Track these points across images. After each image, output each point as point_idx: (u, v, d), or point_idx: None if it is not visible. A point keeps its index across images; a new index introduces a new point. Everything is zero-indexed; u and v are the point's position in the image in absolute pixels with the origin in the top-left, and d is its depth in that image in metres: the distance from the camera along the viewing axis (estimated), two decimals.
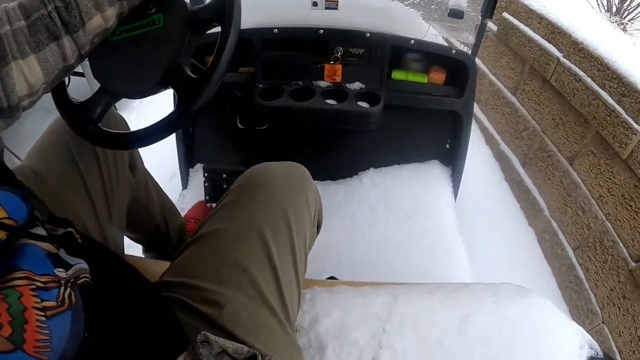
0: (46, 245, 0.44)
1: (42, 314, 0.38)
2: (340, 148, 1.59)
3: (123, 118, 0.94)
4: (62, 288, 0.41)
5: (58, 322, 0.39)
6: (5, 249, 0.39)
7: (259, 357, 0.50)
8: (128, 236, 1.15)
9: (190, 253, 0.69)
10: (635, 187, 1.29)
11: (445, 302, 0.81)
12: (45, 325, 0.38)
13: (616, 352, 1.35)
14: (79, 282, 0.44)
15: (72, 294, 0.42)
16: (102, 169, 0.82)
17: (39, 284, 0.40)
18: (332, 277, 1.23)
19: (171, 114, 0.65)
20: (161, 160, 1.93)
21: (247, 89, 1.35)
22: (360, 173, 1.63)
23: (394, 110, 1.38)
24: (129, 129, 0.94)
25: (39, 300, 0.39)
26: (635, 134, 1.25)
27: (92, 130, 0.70)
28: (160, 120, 0.65)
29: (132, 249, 1.33)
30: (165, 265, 0.71)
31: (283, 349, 0.62)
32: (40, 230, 0.45)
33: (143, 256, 1.28)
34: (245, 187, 0.76)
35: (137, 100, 2.67)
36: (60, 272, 0.43)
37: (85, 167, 0.79)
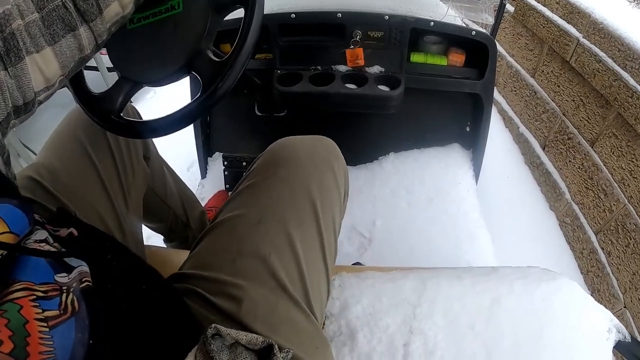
0: (47, 249, 0.43)
1: (45, 324, 0.37)
2: (360, 133, 1.58)
3: (135, 108, 0.94)
4: (64, 295, 0.40)
5: (61, 331, 0.38)
6: (3, 265, 0.38)
7: (275, 347, 0.48)
8: (148, 226, 1.16)
9: (207, 243, 0.67)
10: None
11: (475, 285, 0.80)
12: (49, 336, 0.37)
13: (638, 336, 1.33)
14: (81, 286, 0.42)
15: (75, 299, 0.41)
16: (116, 160, 0.81)
17: (39, 293, 0.38)
18: (357, 263, 1.23)
19: (196, 99, 0.63)
20: (179, 150, 1.94)
21: (265, 76, 1.34)
22: (380, 158, 1.62)
23: (414, 94, 1.37)
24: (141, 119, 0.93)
25: (41, 311, 0.37)
26: None
27: (114, 120, 0.70)
28: (185, 107, 0.64)
29: (153, 239, 1.35)
30: (185, 255, 0.69)
31: (307, 342, 0.58)
32: (41, 234, 0.44)
33: (165, 246, 1.29)
34: (266, 166, 0.71)
35: (151, 92, 2.68)
36: (62, 278, 0.41)
37: (99, 160, 0.78)
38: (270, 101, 1.39)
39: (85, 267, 0.44)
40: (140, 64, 0.68)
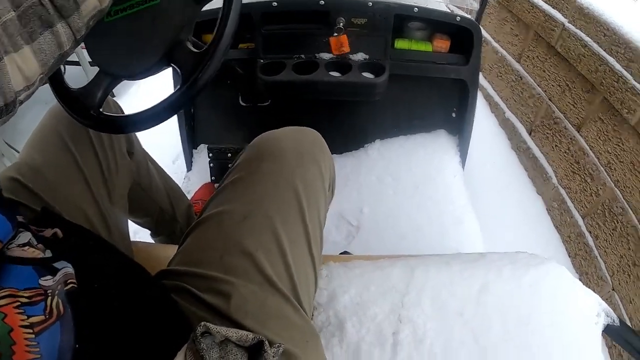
0: (30, 252, 0.42)
1: (30, 330, 0.36)
2: (345, 121, 1.57)
3: (117, 102, 0.92)
4: (50, 298, 0.39)
5: (47, 336, 0.37)
6: None
7: (266, 342, 0.47)
8: (134, 221, 1.15)
9: (195, 239, 0.66)
10: None
11: (463, 272, 0.79)
12: (35, 343, 0.36)
13: (627, 319, 1.35)
14: (66, 288, 0.41)
15: (60, 302, 0.39)
16: (99, 156, 0.79)
17: (23, 299, 0.37)
18: (345, 252, 1.23)
19: (177, 91, 0.62)
20: (163, 143, 1.91)
21: (248, 65, 1.32)
22: (366, 145, 1.61)
23: (399, 80, 1.36)
24: (123, 113, 0.92)
25: (26, 317, 0.36)
26: None
27: (93, 115, 0.68)
28: (166, 99, 0.63)
29: (140, 234, 1.33)
30: (173, 249, 0.69)
31: (298, 335, 0.59)
32: (24, 237, 0.43)
33: (152, 241, 1.28)
34: (250, 161, 0.71)
35: (134, 85, 2.64)
36: (46, 281, 0.40)
37: (81, 156, 0.76)
38: (254, 91, 1.37)
39: (70, 269, 0.43)
40: (118, 57, 0.66)
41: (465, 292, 0.77)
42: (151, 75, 0.66)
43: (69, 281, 0.42)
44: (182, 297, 0.58)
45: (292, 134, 0.75)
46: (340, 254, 1.22)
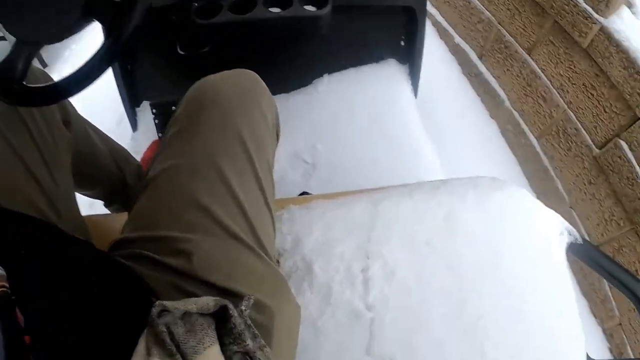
0: None
1: None
2: (291, 58, 1.50)
3: (44, 71, 0.84)
4: None
5: None
6: None
7: (230, 306, 0.44)
8: (84, 194, 1.09)
9: (145, 202, 0.63)
10: (597, 75, 1.28)
11: (427, 201, 0.78)
12: None
13: (585, 235, 1.40)
14: None
15: None
16: (34, 135, 0.71)
17: None
18: (304, 193, 1.20)
19: (101, 47, 0.58)
20: (103, 106, 1.80)
21: (182, 11, 1.22)
22: (314, 81, 1.55)
23: (343, 12, 1.29)
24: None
25: None
26: (594, 23, 1.21)
27: (16, 90, 0.62)
28: (92, 57, 0.59)
29: (96, 206, 1.26)
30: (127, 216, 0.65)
31: (267, 284, 0.57)
32: None
33: (108, 212, 1.22)
34: (190, 111, 0.68)
35: (68, 50, 2.46)
36: None
37: (15, 138, 0.68)
38: (191, 37, 1.28)
39: (0, 270, 0.37)
40: (34, 21, 0.60)
41: (431, 221, 0.76)
42: (72, 35, 0.61)
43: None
44: (142, 264, 0.55)
45: (229, 78, 0.72)
46: (300, 194, 1.19)
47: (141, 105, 1.57)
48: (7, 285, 0.37)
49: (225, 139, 0.64)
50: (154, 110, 1.41)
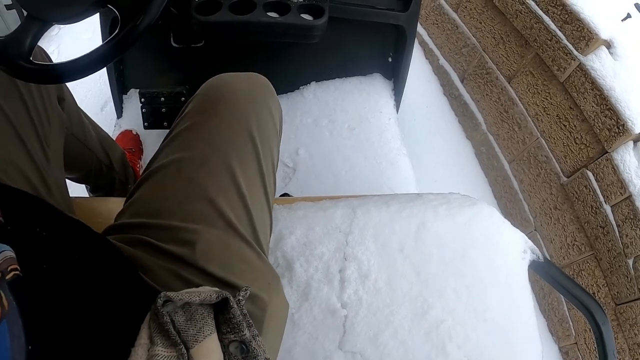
0: None
1: None
2: (281, 62, 1.53)
3: (44, 50, 0.84)
4: None
5: None
6: None
7: (230, 298, 0.46)
8: (69, 178, 1.08)
9: (149, 189, 0.63)
10: (571, 108, 1.35)
11: (402, 211, 0.83)
12: None
13: (548, 256, 1.47)
14: (7, 277, 0.34)
15: (3, 296, 0.32)
16: (29, 109, 0.72)
17: None
18: (285, 194, 1.23)
19: (116, 35, 0.58)
20: (89, 88, 1.79)
21: (182, 5, 1.24)
22: (301, 87, 1.59)
23: (337, 23, 1.34)
24: (52, 61, 0.84)
25: None
26: (573, 60, 1.28)
27: (23, 65, 0.62)
28: (105, 43, 0.59)
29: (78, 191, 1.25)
30: (116, 202, 0.66)
31: (261, 277, 0.59)
32: None
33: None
34: (203, 106, 0.69)
35: (55, 29, 2.42)
36: None
37: (12, 112, 0.68)
38: (187, 31, 1.30)
39: (10, 252, 0.35)
40: (48, 0, 0.60)
41: (405, 230, 0.80)
42: (84, 18, 0.62)
43: (11, 268, 0.35)
44: (142, 249, 0.56)
45: (243, 79, 0.74)
46: (281, 195, 1.22)
47: (128, 92, 1.57)
48: (18, 268, 0.35)
49: (235, 135, 0.65)
50: (142, 99, 1.42)
